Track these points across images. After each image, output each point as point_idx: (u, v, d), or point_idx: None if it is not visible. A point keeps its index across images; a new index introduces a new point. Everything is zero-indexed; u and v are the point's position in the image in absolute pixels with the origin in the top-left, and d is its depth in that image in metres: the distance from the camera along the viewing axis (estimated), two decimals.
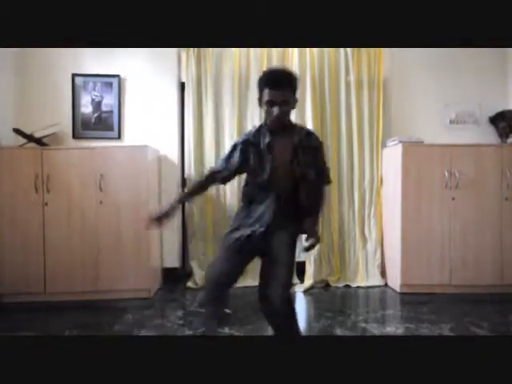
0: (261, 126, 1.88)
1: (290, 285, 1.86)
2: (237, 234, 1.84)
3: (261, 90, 1.77)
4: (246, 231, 1.82)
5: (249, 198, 1.92)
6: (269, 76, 1.77)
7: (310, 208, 1.93)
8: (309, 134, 1.91)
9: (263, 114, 1.84)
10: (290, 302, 1.84)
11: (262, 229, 1.80)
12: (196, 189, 2.02)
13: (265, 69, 1.90)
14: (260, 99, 1.80)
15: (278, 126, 1.80)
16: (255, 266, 3.58)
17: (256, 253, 1.90)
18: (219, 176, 1.92)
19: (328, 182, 2.01)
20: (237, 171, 1.91)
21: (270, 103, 1.73)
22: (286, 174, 1.82)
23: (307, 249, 1.95)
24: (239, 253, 1.83)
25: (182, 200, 2.10)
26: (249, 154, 1.84)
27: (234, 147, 1.89)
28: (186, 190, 1.93)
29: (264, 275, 1.87)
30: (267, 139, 1.81)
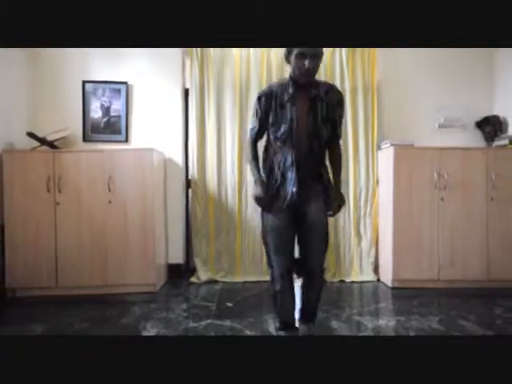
0: (284, 80, 1.86)
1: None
2: (278, 216, 1.85)
3: (289, 49, 1.75)
4: (282, 210, 1.84)
5: (271, 162, 1.89)
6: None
7: (333, 170, 2.01)
8: (331, 87, 1.88)
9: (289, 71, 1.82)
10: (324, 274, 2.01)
11: (293, 197, 1.81)
12: (255, 157, 1.96)
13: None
14: (287, 56, 1.77)
15: (308, 79, 1.77)
16: (254, 262, 3.60)
17: (295, 221, 1.90)
18: (258, 135, 1.93)
19: (336, 140, 2.00)
20: (264, 123, 1.87)
21: (301, 56, 1.70)
22: (307, 130, 1.79)
23: (333, 213, 1.99)
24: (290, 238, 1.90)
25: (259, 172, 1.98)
26: (271, 106, 1.81)
27: (259, 100, 1.86)
28: (253, 164, 1.91)
29: (302, 246, 1.93)
30: (291, 90, 1.79)
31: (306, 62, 1.70)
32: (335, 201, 1.96)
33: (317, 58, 1.73)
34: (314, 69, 1.75)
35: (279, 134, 1.79)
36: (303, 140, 1.80)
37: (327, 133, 1.85)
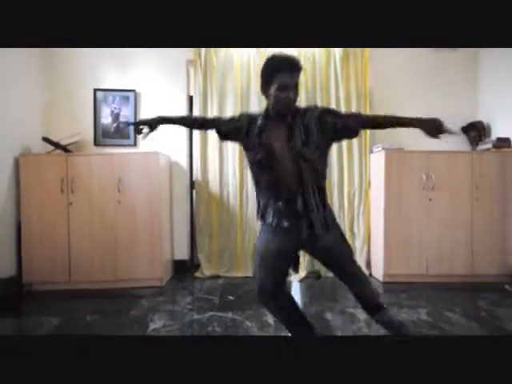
0: (263, 111, 1.67)
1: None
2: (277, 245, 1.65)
3: (269, 76, 1.54)
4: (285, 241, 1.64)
5: (256, 186, 1.71)
6: (280, 60, 1.54)
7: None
8: (309, 108, 1.65)
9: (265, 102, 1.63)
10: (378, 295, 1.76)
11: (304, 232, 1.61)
12: (188, 119, 1.91)
13: (268, 57, 1.60)
14: (264, 87, 1.58)
15: (290, 110, 1.58)
16: (247, 257, 3.61)
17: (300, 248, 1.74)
18: (219, 126, 1.77)
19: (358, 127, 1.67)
20: (233, 133, 1.72)
21: (283, 87, 1.51)
22: (292, 159, 1.57)
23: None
24: (274, 258, 1.69)
25: (165, 119, 1.92)
26: (250, 129, 1.65)
27: (240, 116, 1.73)
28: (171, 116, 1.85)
29: (343, 280, 1.73)
30: (261, 121, 1.63)
31: (291, 94, 1.54)
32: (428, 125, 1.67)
33: (296, 88, 1.57)
34: (295, 99, 1.59)
35: (257, 158, 1.61)
36: (290, 170, 1.59)
37: (315, 154, 1.59)
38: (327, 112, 1.64)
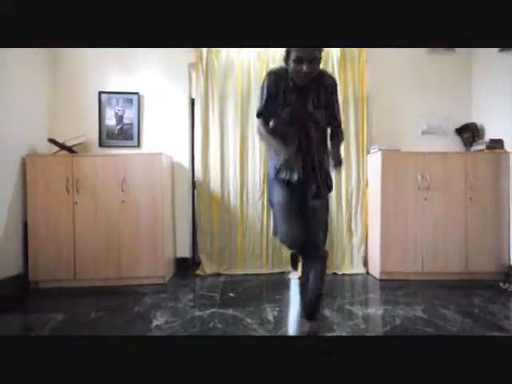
0: (286, 71, 1.75)
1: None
2: (284, 191, 1.80)
3: (288, 52, 1.66)
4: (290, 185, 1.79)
5: (278, 135, 1.80)
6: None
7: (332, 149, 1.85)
8: (322, 74, 1.78)
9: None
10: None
11: (297, 177, 1.78)
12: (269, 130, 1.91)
13: None
14: (286, 58, 1.69)
15: (305, 82, 1.69)
16: (254, 256, 3.61)
17: (301, 198, 1.85)
18: (267, 111, 1.83)
19: (337, 124, 1.88)
20: (273, 102, 1.78)
21: (299, 60, 1.62)
22: (303, 115, 1.74)
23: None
24: (296, 212, 1.81)
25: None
26: (280, 86, 1.74)
27: (268, 77, 1.77)
28: (270, 136, 1.82)
29: (307, 223, 1.83)
30: (291, 83, 1.73)
31: (304, 67, 1.62)
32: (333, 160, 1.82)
33: (314, 62, 1.65)
34: (312, 72, 1.67)
35: (284, 115, 1.74)
36: (303, 125, 1.75)
37: (324, 117, 1.79)
38: (334, 87, 1.82)
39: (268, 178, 1.95)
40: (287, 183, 1.81)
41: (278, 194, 1.82)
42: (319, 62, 1.68)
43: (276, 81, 1.75)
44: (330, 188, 1.89)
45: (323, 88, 1.77)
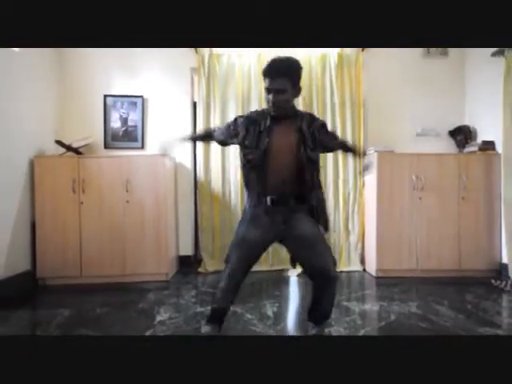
0: (264, 110, 1.69)
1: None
2: (252, 235, 1.66)
3: (264, 79, 1.60)
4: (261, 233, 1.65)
5: (247, 180, 1.72)
6: (267, 66, 1.59)
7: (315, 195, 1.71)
8: (312, 117, 1.73)
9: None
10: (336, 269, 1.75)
11: (279, 220, 1.64)
12: (200, 136, 2.07)
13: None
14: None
15: (277, 112, 1.61)
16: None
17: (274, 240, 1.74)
18: (217, 137, 1.83)
19: (343, 144, 1.86)
20: (232, 139, 1.74)
21: (267, 91, 1.59)
22: (289, 159, 1.61)
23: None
24: (256, 251, 1.70)
25: (191, 138, 2.18)
26: (249, 130, 1.65)
27: (235, 120, 1.73)
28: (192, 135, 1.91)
29: (304, 257, 1.69)
30: (268, 122, 1.63)
31: (270, 97, 1.57)
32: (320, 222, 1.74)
33: (282, 93, 1.56)
34: (280, 103, 1.58)
35: (251, 158, 1.63)
36: (282, 169, 1.62)
37: (317, 156, 1.69)
38: (325, 125, 1.76)
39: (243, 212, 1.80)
40: (262, 222, 1.67)
41: (243, 229, 1.70)
42: (289, 93, 1.58)
43: (247, 126, 1.67)
44: (325, 227, 1.73)
45: (317, 128, 1.68)
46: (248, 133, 1.65)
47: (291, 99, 1.63)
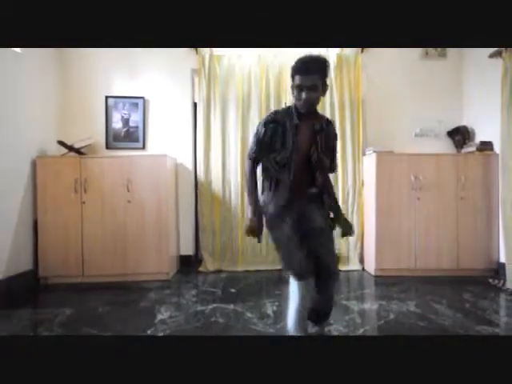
0: (289, 108, 1.68)
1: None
2: (286, 226, 1.63)
3: (292, 77, 1.59)
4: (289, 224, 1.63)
5: (270, 180, 1.70)
6: (299, 63, 1.57)
7: (327, 193, 1.75)
8: (329, 122, 1.74)
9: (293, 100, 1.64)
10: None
11: (296, 215, 1.65)
12: (254, 186, 1.74)
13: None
14: (292, 85, 1.61)
15: (307, 109, 1.61)
16: (254, 254, 3.60)
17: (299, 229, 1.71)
18: (259, 158, 1.72)
19: (335, 170, 1.83)
20: (267, 148, 1.67)
21: (299, 88, 1.56)
22: (304, 157, 1.65)
23: (343, 235, 1.82)
24: (299, 240, 1.65)
25: (258, 205, 1.74)
26: (277, 132, 1.64)
27: (265, 125, 1.65)
28: (252, 195, 1.69)
29: (316, 250, 1.67)
30: (295, 121, 1.63)
31: (303, 94, 1.55)
32: (343, 227, 1.79)
33: (314, 90, 1.57)
34: (312, 100, 1.59)
35: (279, 159, 1.63)
36: (300, 168, 1.66)
37: (328, 162, 1.74)
38: (336, 136, 1.80)
39: (266, 218, 1.73)
40: (286, 220, 1.66)
41: (280, 232, 1.67)
42: (320, 90, 1.59)
43: (275, 129, 1.65)
44: (331, 226, 1.76)
45: (330, 133, 1.73)
46: (276, 135, 1.64)
47: (320, 97, 1.63)
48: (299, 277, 1.63)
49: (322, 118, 1.73)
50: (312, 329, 1.86)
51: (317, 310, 1.79)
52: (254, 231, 1.67)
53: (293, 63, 1.60)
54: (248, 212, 1.74)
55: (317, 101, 1.62)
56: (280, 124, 1.65)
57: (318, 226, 1.69)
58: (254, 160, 1.72)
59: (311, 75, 1.55)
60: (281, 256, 1.71)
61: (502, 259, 3.13)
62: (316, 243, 1.69)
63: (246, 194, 1.90)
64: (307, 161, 1.67)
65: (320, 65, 1.57)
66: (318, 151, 1.66)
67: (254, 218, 1.67)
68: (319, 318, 1.83)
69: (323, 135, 1.69)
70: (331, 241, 1.74)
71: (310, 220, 1.70)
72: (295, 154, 1.64)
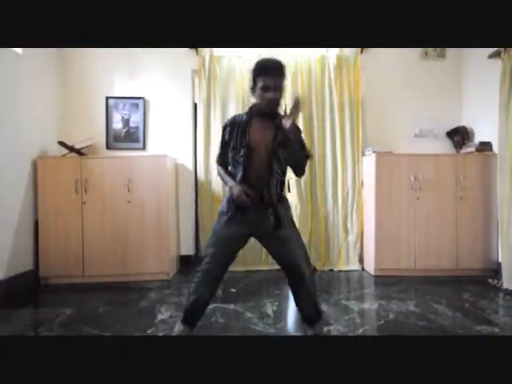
0: (250, 109, 1.73)
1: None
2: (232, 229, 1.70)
3: (254, 78, 1.63)
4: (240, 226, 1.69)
5: (234, 178, 1.72)
6: (263, 64, 1.63)
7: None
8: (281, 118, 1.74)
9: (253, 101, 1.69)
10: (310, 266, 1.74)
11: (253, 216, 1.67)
12: (225, 171, 1.80)
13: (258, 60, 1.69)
14: (253, 87, 1.65)
15: (273, 108, 1.66)
16: (254, 253, 3.59)
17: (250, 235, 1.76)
18: (222, 160, 1.79)
19: (308, 154, 1.78)
20: (228, 151, 1.73)
21: (264, 88, 1.59)
22: (263, 155, 1.66)
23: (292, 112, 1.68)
24: (228, 250, 1.75)
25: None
26: (233, 133, 1.70)
27: (223, 129, 1.75)
28: (224, 174, 1.76)
29: (277, 253, 1.71)
30: (245, 118, 1.69)
31: (270, 94, 1.60)
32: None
33: (280, 91, 1.63)
34: (278, 100, 1.65)
35: (237, 157, 1.68)
36: (258, 165, 1.67)
37: (284, 155, 1.71)
38: (299, 130, 1.73)
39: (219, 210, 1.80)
40: (236, 219, 1.71)
41: (219, 227, 1.75)
42: (282, 90, 1.64)
43: (231, 130, 1.71)
44: (290, 225, 1.74)
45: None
46: (232, 135, 1.70)
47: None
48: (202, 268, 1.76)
49: (281, 115, 1.74)
50: (308, 331, 1.78)
51: (301, 311, 1.77)
52: (242, 193, 1.64)
53: (253, 65, 1.64)
54: (228, 186, 1.73)
55: (280, 101, 1.67)
56: (236, 125, 1.70)
57: (273, 229, 1.68)
58: (221, 164, 1.81)
59: (277, 76, 1.61)
60: (207, 243, 1.80)
61: (501, 259, 3.12)
62: (275, 248, 1.71)
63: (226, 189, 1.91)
64: (266, 159, 1.67)
65: (282, 67, 1.63)
66: (279, 146, 1.66)
67: (235, 184, 1.67)
68: (310, 319, 1.77)
69: (281, 130, 1.67)
70: (295, 242, 1.70)
71: (266, 224, 1.69)
72: (251, 151, 1.65)
